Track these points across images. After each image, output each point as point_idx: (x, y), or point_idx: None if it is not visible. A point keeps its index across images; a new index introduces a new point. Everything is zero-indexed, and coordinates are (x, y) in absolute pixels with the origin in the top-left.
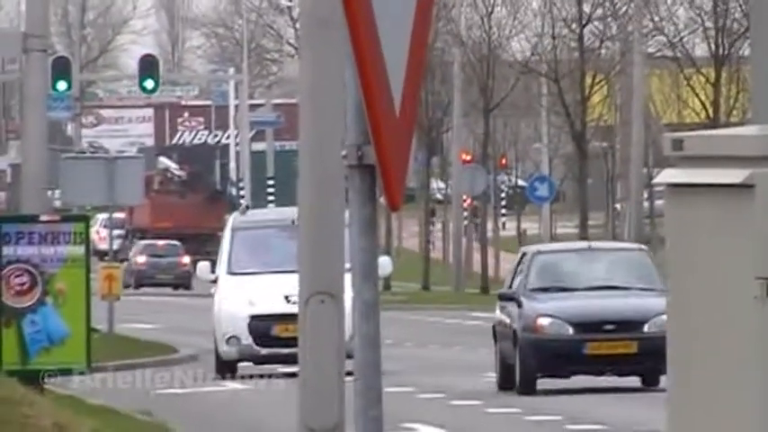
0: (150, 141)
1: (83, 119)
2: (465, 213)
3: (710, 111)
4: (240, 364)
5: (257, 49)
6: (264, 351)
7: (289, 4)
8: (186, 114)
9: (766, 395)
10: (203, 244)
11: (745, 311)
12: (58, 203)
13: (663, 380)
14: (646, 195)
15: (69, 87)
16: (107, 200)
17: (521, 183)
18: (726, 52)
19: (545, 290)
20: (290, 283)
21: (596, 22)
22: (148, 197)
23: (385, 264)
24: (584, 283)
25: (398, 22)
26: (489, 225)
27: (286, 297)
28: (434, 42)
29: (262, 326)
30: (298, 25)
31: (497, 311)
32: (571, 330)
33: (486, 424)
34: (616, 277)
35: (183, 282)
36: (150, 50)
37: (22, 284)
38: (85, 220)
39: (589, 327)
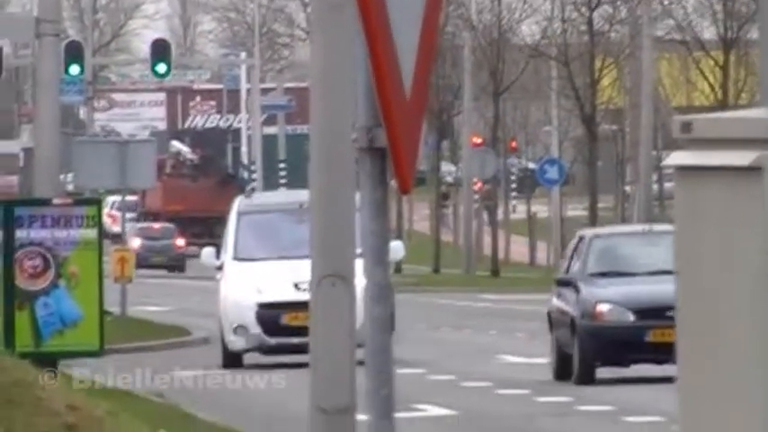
0: (162, 125)
1: (95, 103)
2: (476, 196)
3: (719, 94)
4: (247, 355)
5: (269, 33)
6: (273, 341)
7: None
8: (198, 98)
9: None
10: (215, 227)
11: (753, 293)
12: (70, 187)
13: None
14: (655, 178)
15: (82, 71)
16: (119, 183)
17: (531, 166)
18: (734, 35)
19: (604, 275)
20: (300, 270)
21: (606, 6)
22: (160, 180)
23: (397, 248)
24: (645, 268)
25: (409, 5)
26: (500, 208)
27: (295, 284)
28: (445, 26)
29: (270, 314)
30: (309, 9)
31: (554, 298)
32: (632, 317)
33: (495, 406)
34: None
35: (177, 264)
36: (162, 35)
37: (35, 267)
38: (98, 203)
39: (651, 313)
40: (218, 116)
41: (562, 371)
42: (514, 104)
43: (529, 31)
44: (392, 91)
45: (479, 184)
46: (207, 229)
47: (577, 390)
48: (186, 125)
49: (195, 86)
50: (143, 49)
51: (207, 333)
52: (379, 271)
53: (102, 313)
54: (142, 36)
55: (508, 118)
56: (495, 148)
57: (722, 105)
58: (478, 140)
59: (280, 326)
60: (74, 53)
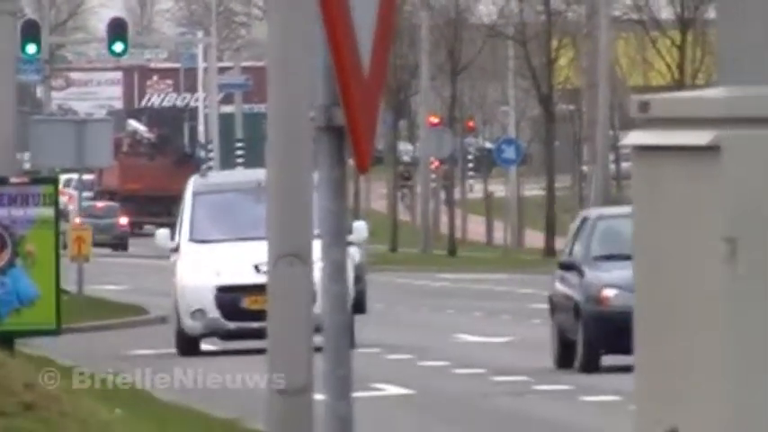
0: (119, 104)
1: (52, 82)
2: (433, 176)
3: (676, 73)
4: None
5: (226, 12)
6: (232, 325)
7: None
8: (155, 77)
9: (733, 356)
10: (172, 206)
11: (711, 273)
12: (27, 166)
13: None
14: (612, 158)
15: (39, 50)
16: (76, 162)
17: (488, 145)
18: (691, 15)
19: (609, 258)
20: (259, 252)
21: None
22: (117, 159)
23: (360, 228)
24: None
25: None
26: (457, 188)
27: (255, 266)
28: (402, 5)
29: (229, 298)
30: None
31: (556, 282)
32: None
33: (453, 386)
34: None
35: (120, 243)
36: (119, 13)
37: None
38: (54, 182)
39: None
40: (175, 95)
41: (564, 358)
42: (472, 84)
43: (486, 10)
44: (350, 70)
45: (436, 164)
46: (164, 207)
47: (577, 378)
48: (143, 104)
49: (152, 65)
50: (100, 27)
51: (164, 312)
52: (336, 250)
53: (59, 292)
54: (99, 15)
55: (465, 97)
56: (452, 128)
57: (679, 85)
58: (435, 120)
59: (239, 310)
60: (30, 32)
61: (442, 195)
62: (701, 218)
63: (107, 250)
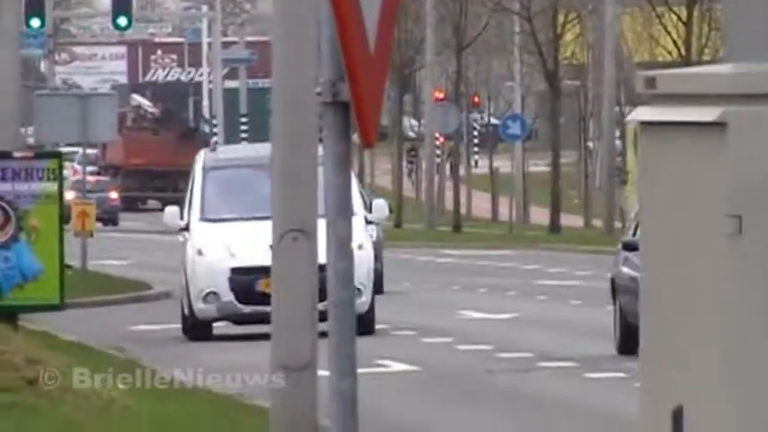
0: (123, 79)
1: (56, 56)
2: (438, 152)
3: (682, 49)
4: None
5: None
6: (247, 309)
7: None
8: (159, 52)
9: (738, 333)
10: (177, 181)
11: (717, 249)
12: (31, 140)
13: None
14: (618, 134)
15: (43, 24)
16: (80, 137)
17: (493, 121)
18: None
19: None
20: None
21: None
22: (121, 134)
23: (381, 207)
24: None
25: None
26: (461, 163)
27: (271, 247)
28: None
29: (244, 280)
30: None
31: (619, 264)
32: None
33: (457, 362)
34: None
35: (110, 218)
36: None
37: None
38: (59, 156)
39: None
40: (180, 70)
41: (626, 343)
42: (477, 59)
43: None
44: (356, 45)
45: (441, 140)
46: (168, 182)
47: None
48: (147, 79)
49: (156, 40)
50: (104, 2)
51: (168, 287)
52: (341, 225)
53: (63, 267)
54: None
55: (470, 73)
56: (457, 104)
57: (685, 61)
58: (441, 95)
59: (254, 292)
60: (34, 6)
61: (447, 171)
62: (707, 194)
63: (98, 225)
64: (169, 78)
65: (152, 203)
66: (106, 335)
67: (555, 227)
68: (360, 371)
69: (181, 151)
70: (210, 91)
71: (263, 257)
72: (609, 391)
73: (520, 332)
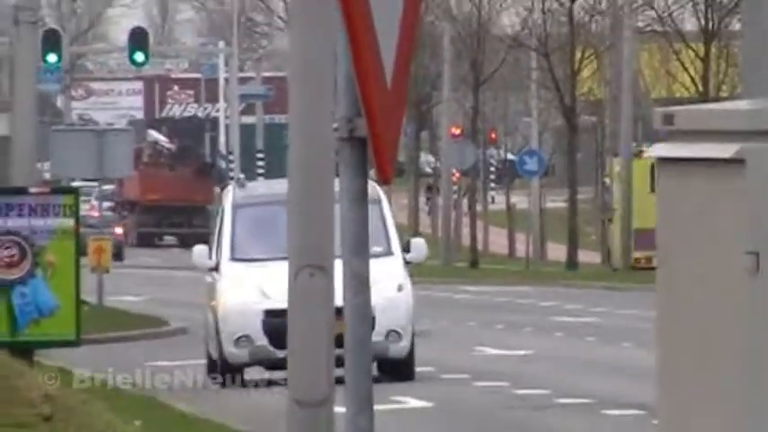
0: (140, 114)
1: (72, 91)
2: (454, 187)
3: (700, 85)
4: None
5: (247, 21)
6: (282, 353)
7: None
8: (176, 87)
9: (757, 369)
10: (193, 216)
11: (735, 285)
12: (47, 176)
13: None
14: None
15: (59, 60)
16: (96, 172)
17: (510, 157)
18: (715, 27)
19: None
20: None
21: None
22: (138, 170)
23: (420, 246)
24: None
25: None
26: (478, 199)
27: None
28: (424, 16)
29: (279, 323)
30: None
31: None
32: None
33: (474, 398)
34: None
35: (115, 252)
36: (140, 23)
37: (12, 256)
38: (75, 192)
39: None
40: (196, 105)
41: None
42: (494, 95)
43: (509, 21)
44: (373, 81)
45: (458, 175)
46: (185, 218)
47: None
48: (164, 114)
49: (173, 75)
50: (121, 37)
51: (184, 323)
52: (357, 261)
53: (79, 303)
54: (120, 24)
55: (487, 109)
56: (474, 140)
57: (703, 97)
58: (457, 131)
59: None
60: (51, 41)
61: (465, 207)
62: (725, 230)
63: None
64: (186, 114)
65: (168, 239)
66: (122, 371)
67: (572, 263)
68: (376, 407)
69: (197, 187)
70: (227, 126)
71: None
72: (626, 427)
73: (537, 368)
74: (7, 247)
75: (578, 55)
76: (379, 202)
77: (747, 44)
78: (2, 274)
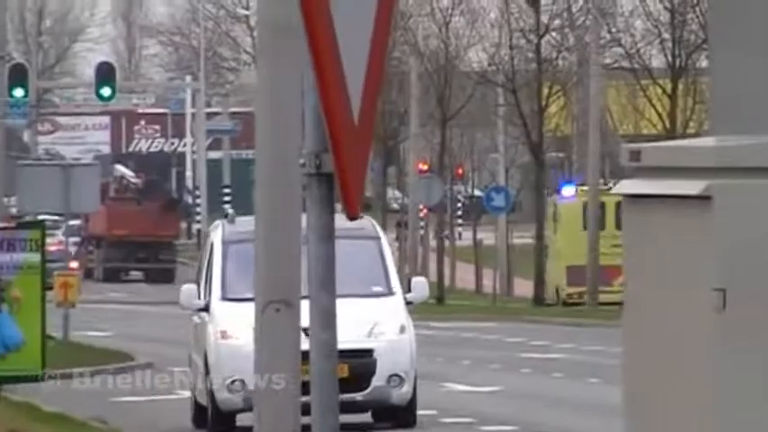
0: (106, 149)
1: (39, 126)
2: (422, 223)
3: (667, 122)
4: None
5: (214, 57)
6: None
7: (246, 12)
8: (142, 122)
9: (723, 406)
10: (160, 252)
11: (702, 322)
12: (13, 210)
13: None
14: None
15: (26, 94)
16: (63, 207)
17: (477, 193)
18: (683, 64)
19: None
20: (306, 312)
21: (554, 33)
22: (104, 204)
23: (421, 285)
24: None
25: (358, 30)
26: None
27: (304, 330)
28: (392, 52)
29: None
30: (255, 33)
31: None
32: None
33: None
34: None
35: None
36: (107, 58)
37: None
38: (41, 226)
39: None
40: (163, 140)
41: None
42: (461, 131)
43: (476, 57)
44: (340, 116)
45: (425, 211)
46: (151, 253)
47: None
48: (130, 149)
49: (140, 110)
50: (87, 72)
51: (150, 358)
52: (324, 296)
53: (45, 338)
54: (87, 59)
55: (455, 144)
56: (441, 175)
57: (670, 134)
58: (425, 167)
59: None
60: (18, 76)
61: (432, 243)
62: (692, 267)
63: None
64: (152, 149)
65: (134, 274)
66: (88, 406)
67: (538, 299)
68: None
69: (163, 222)
70: (194, 161)
71: None
72: None
73: (503, 405)
74: None
75: (545, 91)
76: (378, 238)
77: (715, 81)
78: None
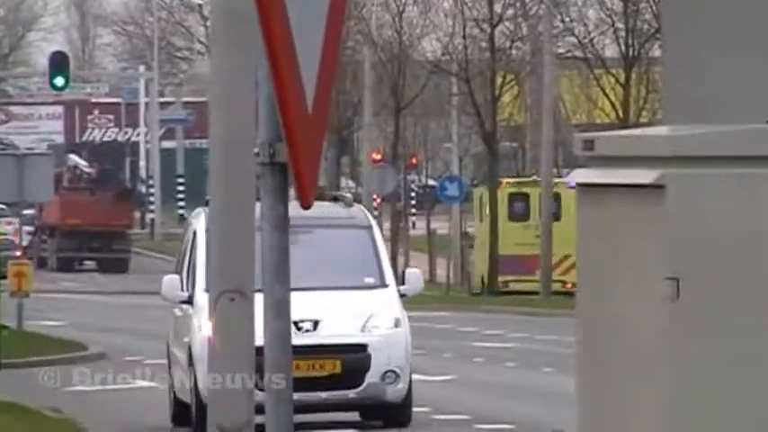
0: (60, 138)
1: None
2: (375, 213)
3: (620, 111)
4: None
5: (168, 46)
6: (262, 395)
7: (199, 1)
8: (96, 112)
9: (677, 395)
10: (113, 241)
11: (655, 311)
12: None
13: None
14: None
15: None
16: (16, 196)
17: (431, 182)
18: (636, 53)
19: None
20: (299, 305)
21: (507, 23)
22: (58, 194)
23: (415, 277)
24: None
25: (312, 19)
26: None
27: (295, 323)
28: (346, 42)
29: (259, 362)
30: (208, 23)
31: None
32: None
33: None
34: None
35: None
36: (61, 47)
37: None
38: None
39: None
40: (117, 130)
41: None
42: (415, 120)
43: (430, 47)
44: (294, 105)
45: (379, 201)
46: (105, 243)
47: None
48: (84, 138)
49: (93, 100)
50: (41, 61)
51: (104, 348)
52: (278, 287)
53: None
54: (41, 49)
55: (408, 134)
56: (394, 165)
57: (623, 123)
58: (378, 157)
59: None
60: None
61: (387, 232)
62: (645, 256)
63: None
64: (106, 138)
65: (88, 264)
66: (42, 395)
67: (492, 289)
68: None
69: (117, 212)
70: (147, 151)
71: None
72: None
73: (457, 394)
74: None
75: (499, 80)
76: (370, 228)
77: (668, 70)
78: None
